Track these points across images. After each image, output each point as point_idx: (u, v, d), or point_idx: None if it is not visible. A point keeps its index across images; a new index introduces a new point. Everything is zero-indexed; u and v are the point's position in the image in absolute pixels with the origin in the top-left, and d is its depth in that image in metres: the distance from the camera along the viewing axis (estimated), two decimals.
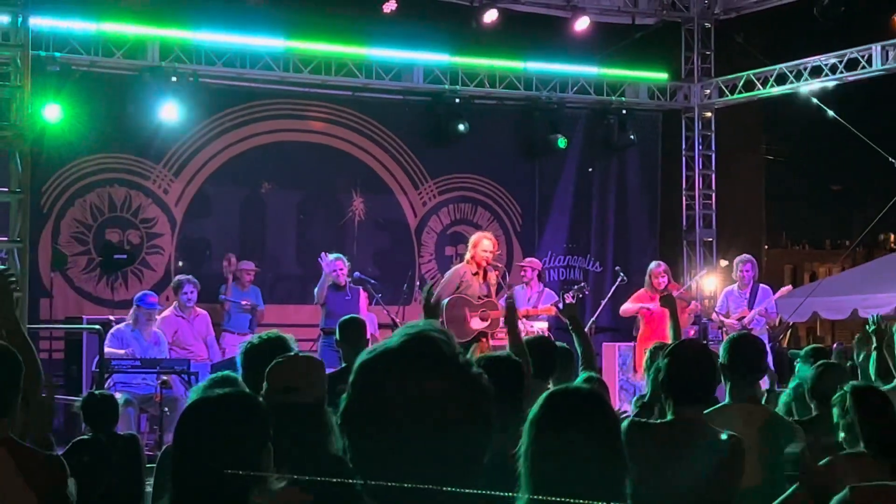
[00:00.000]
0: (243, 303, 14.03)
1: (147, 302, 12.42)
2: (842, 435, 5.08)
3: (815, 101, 16.89)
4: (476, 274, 12.16)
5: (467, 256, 12.32)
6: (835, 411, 5.17)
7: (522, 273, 14.15)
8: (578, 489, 2.99)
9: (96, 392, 7.46)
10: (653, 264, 14.01)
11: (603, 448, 3.11)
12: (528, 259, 14.92)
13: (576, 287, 13.64)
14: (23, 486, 4.51)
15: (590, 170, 17.71)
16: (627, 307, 13.88)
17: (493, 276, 12.37)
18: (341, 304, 12.81)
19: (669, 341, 7.86)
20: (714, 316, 14.10)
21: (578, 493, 2.96)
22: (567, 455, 3.07)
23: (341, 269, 13.09)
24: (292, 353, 4.83)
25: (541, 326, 13.55)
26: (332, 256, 13.22)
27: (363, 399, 2.00)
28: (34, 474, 4.55)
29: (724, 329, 13.64)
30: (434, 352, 2.01)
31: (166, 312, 12.90)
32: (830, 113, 16.65)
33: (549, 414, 3.17)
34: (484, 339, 11.90)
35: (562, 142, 16.96)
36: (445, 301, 11.96)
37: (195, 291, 13.02)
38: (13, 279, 5.42)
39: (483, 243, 12.19)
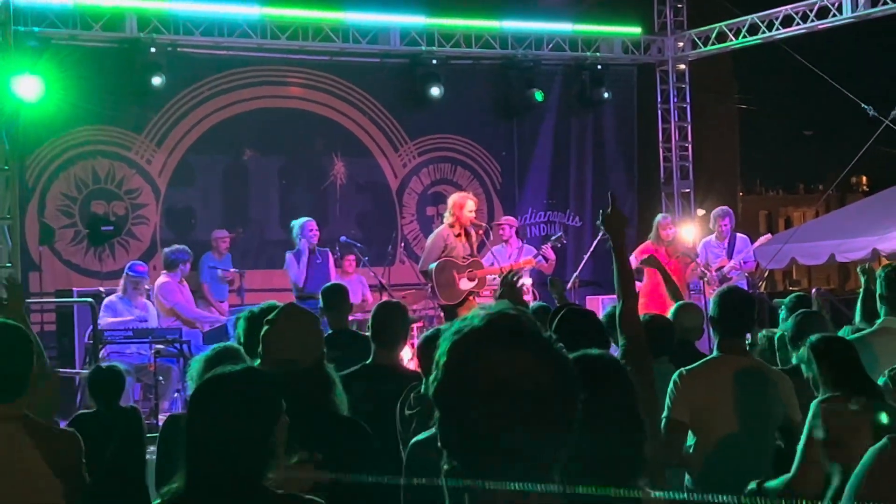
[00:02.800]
0: (227, 272, 14.12)
1: (136, 270, 12.52)
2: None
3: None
4: (459, 235, 12.30)
5: (450, 219, 12.40)
6: (803, 367, 5.32)
7: (501, 231, 14.19)
8: (600, 455, 3.02)
9: (104, 365, 7.48)
10: (659, 216, 14.11)
11: (623, 413, 3.17)
12: (504, 217, 14.99)
13: (553, 238, 13.78)
14: (39, 461, 4.62)
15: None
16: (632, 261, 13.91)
17: (474, 236, 12.51)
18: (314, 267, 12.95)
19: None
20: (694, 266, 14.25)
21: (600, 460, 3.02)
22: (588, 422, 3.13)
23: (314, 231, 13.14)
24: (286, 317, 4.75)
25: (525, 282, 13.71)
26: (302, 219, 13.29)
27: (454, 376, 2.08)
28: (50, 450, 4.66)
29: (706, 279, 13.81)
30: (519, 328, 2.09)
31: (165, 279, 12.94)
32: (802, 61, 16.77)
33: None
34: (471, 298, 12.06)
35: (539, 95, 17.07)
36: (433, 265, 12.12)
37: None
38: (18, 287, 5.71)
39: (468, 204, 12.31)
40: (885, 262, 14.63)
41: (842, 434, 4.54)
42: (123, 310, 12.26)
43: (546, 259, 13.17)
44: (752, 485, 4.94)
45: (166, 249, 13.31)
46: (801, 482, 4.73)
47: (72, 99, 14.10)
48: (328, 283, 9.32)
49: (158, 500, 3.48)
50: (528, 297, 11.68)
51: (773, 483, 4.87)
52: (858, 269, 7.44)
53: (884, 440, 2.46)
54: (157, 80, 14.51)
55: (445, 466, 2.11)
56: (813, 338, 5.23)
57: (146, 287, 12.73)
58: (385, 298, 12.79)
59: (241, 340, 5.61)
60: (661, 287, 13.01)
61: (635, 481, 3.18)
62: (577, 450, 3.08)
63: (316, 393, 4.34)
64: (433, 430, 4.21)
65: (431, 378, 2.11)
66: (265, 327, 4.55)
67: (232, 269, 14.02)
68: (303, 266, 12.84)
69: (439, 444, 2.11)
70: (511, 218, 14.81)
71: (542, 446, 2.07)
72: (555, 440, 2.09)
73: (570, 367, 2.14)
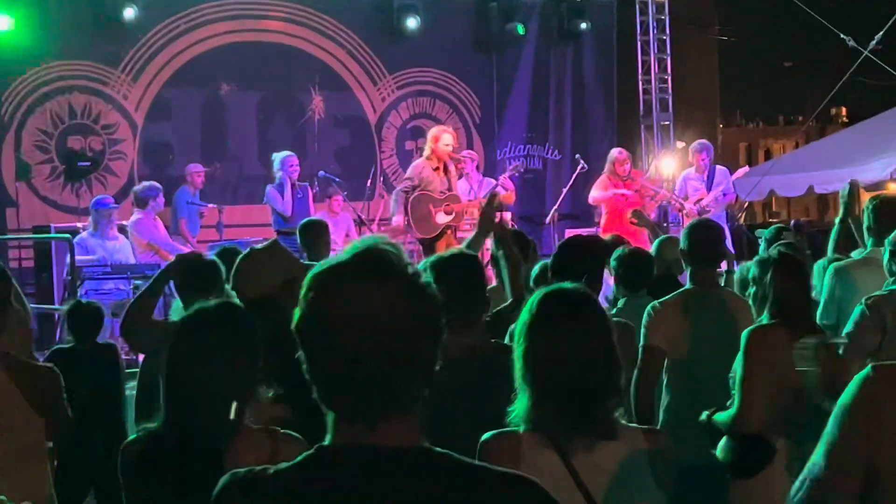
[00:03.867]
0: (205, 207, 14.06)
1: (103, 203, 12.46)
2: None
3: None
4: (437, 169, 12.26)
5: (427, 152, 12.37)
6: (752, 270, 5.24)
7: (461, 165, 14.10)
8: (579, 389, 3.13)
9: (84, 301, 7.48)
10: (614, 151, 13.99)
11: (599, 347, 3.19)
12: (466, 151, 14.90)
13: (510, 168, 13.77)
14: (19, 397, 4.63)
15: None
16: (598, 195, 13.81)
17: (453, 170, 12.48)
18: (295, 202, 12.93)
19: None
20: (673, 199, 14.28)
21: (580, 394, 3.13)
22: (566, 355, 3.14)
23: (294, 166, 13.11)
24: (264, 252, 4.72)
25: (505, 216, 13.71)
26: (283, 153, 13.24)
27: (314, 311, 2.10)
28: (29, 385, 4.65)
29: (685, 212, 13.84)
30: (382, 264, 2.10)
31: (138, 216, 12.84)
32: None
33: (546, 315, 3.21)
34: (449, 232, 12.06)
35: (520, 28, 17.00)
36: (410, 198, 12.10)
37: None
38: None
39: (444, 137, 12.24)
40: (864, 193, 14.68)
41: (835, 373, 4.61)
42: (95, 245, 12.21)
43: (505, 189, 13.16)
44: (703, 415, 5.00)
45: (135, 187, 13.21)
46: (744, 418, 4.77)
47: (46, 33, 14.04)
48: (305, 220, 9.30)
49: (134, 436, 3.49)
50: None
51: (721, 416, 4.91)
52: (843, 197, 7.40)
53: (867, 368, 2.44)
54: (131, 13, 14.41)
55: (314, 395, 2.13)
56: (779, 251, 5.21)
57: (117, 219, 12.65)
58: (366, 233, 12.87)
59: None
60: (620, 222, 13.03)
61: (610, 408, 3.22)
62: (550, 377, 3.15)
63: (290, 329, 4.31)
64: None
65: (295, 310, 2.12)
66: (241, 261, 4.55)
67: (210, 205, 13.94)
68: (287, 198, 12.81)
69: (305, 375, 2.13)
70: (472, 151, 14.75)
71: (399, 382, 2.08)
72: (412, 377, 2.10)
73: (433, 304, 2.13)
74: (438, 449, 2.15)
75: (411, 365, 2.08)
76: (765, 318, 4.94)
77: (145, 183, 13.15)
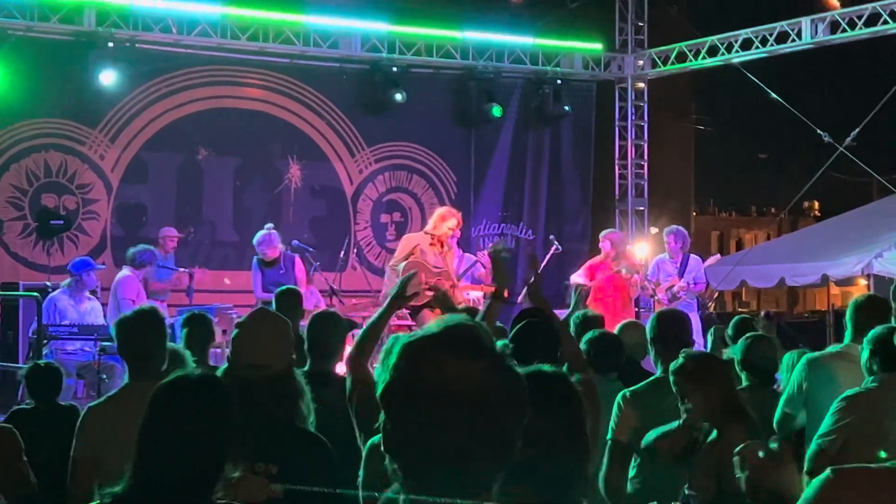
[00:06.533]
0: (177, 272, 13.97)
1: (88, 276, 12.27)
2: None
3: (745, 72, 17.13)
4: (433, 245, 12.28)
5: (429, 227, 12.41)
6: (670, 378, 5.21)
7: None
8: (548, 475, 3.05)
9: (41, 363, 7.41)
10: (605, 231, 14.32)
11: (571, 432, 3.16)
12: None
13: (491, 244, 13.76)
14: None
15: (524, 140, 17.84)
16: (583, 273, 13.94)
17: (450, 254, 12.50)
18: (275, 277, 12.77)
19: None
20: (645, 284, 14.32)
21: (547, 481, 3.04)
22: (538, 440, 3.07)
23: (263, 246, 12.87)
24: (257, 319, 4.62)
25: (476, 296, 13.70)
26: (262, 231, 13.07)
27: (404, 380, 2.12)
28: None
29: (656, 298, 13.87)
30: (474, 340, 2.14)
31: (128, 273, 12.60)
32: (760, 84, 16.89)
33: None
34: (431, 309, 11.96)
35: (497, 110, 17.09)
36: (402, 264, 12.08)
37: None
38: None
39: (450, 221, 12.31)
40: (833, 287, 14.76)
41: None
42: (67, 306, 12.08)
43: (484, 267, 13.18)
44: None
45: (133, 249, 12.88)
46: None
47: (26, 90, 14.04)
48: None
49: (98, 502, 3.40)
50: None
51: None
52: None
53: (826, 472, 2.42)
54: (113, 75, 14.39)
55: (389, 469, 2.13)
56: (686, 355, 5.20)
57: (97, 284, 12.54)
58: (335, 304, 12.82)
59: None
60: (602, 303, 13.06)
61: (576, 495, 3.16)
62: (523, 465, 3.09)
63: (282, 401, 4.24)
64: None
65: (381, 380, 2.14)
66: (235, 330, 4.47)
67: (181, 269, 13.85)
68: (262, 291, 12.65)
69: (382, 447, 2.14)
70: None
71: (482, 458, 2.09)
72: (495, 453, 2.12)
73: (520, 383, 2.17)
74: None
75: (494, 441, 2.11)
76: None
77: (143, 246, 12.90)
